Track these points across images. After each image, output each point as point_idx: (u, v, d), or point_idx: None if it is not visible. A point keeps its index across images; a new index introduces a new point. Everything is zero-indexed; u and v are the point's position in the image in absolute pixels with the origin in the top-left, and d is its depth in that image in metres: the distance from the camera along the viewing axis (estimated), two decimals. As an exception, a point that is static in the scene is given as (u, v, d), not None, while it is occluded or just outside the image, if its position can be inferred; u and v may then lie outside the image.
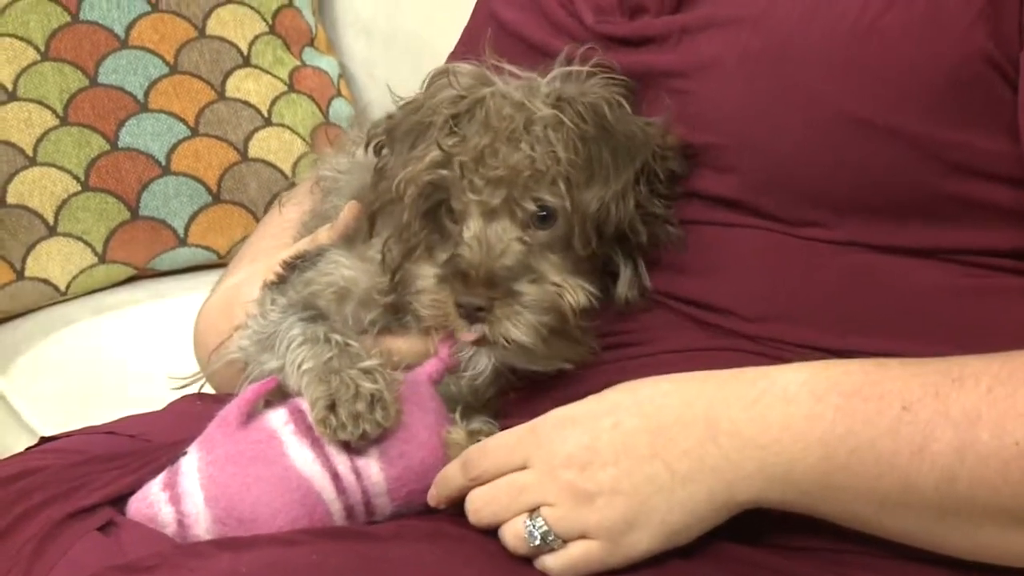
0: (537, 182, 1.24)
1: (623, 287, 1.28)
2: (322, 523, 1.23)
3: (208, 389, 1.50)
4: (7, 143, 2.16)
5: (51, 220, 2.16)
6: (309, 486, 1.23)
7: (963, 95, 1.21)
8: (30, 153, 2.17)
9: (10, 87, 2.18)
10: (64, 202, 2.17)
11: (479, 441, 1.25)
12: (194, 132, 2.25)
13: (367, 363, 1.24)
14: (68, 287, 2.18)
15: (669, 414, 1.18)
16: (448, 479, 1.24)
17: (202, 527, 1.23)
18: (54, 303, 2.20)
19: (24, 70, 2.19)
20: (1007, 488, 1.14)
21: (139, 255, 2.22)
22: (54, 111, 2.19)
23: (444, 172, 1.24)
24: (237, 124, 2.28)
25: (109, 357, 2.13)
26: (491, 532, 1.22)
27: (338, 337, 1.27)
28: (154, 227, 2.22)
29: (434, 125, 1.25)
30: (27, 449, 1.40)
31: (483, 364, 1.28)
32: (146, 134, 2.23)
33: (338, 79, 2.39)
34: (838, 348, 1.22)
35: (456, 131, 1.24)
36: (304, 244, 1.41)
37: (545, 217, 1.25)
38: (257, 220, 2.23)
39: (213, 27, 2.30)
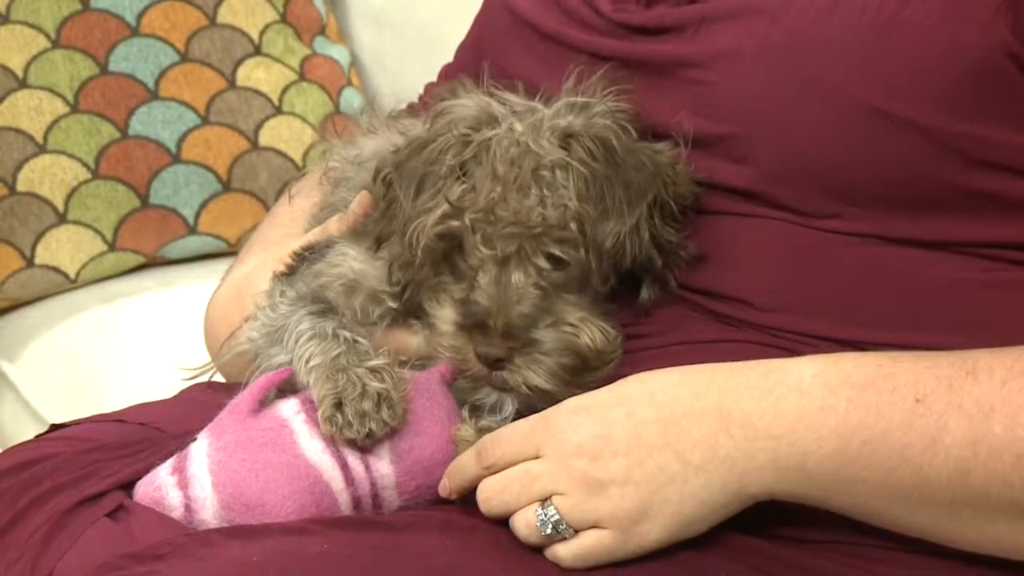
0: (549, 230, 1.23)
1: (645, 292, 1.29)
2: (329, 513, 1.23)
3: (218, 378, 1.50)
4: (17, 130, 2.16)
5: (61, 208, 2.16)
6: (318, 475, 1.23)
7: (983, 88, 1.20)
8: (40, 141, 2.17)
9: (21, 75, 2.18)
10: (74, 190, 2.17)
11: (478, 441, 1.25)
12: (204, 120, 2.25)
13: (375, 362, 1.25)
14: (78, 275, 2.18)
15: (681, 405, 1.19)
16: (461, 468, 1.24)
17: (209, 512, 1.23)
18: (63, 291, 2.20)
19: (35, 58, 2.19)
20: (1020, 482, 1.13)
21: (149, 243, 2.22)
22: (64, 99, 2.19)
23: (455, 223, 1.24)
24: (248, 113, 2.27)
25: (118, 345, 2.13)
26: (502, 522, 1.22)
27: (347, 333, 1.27)
28: (164, 215, 2.22)
29: (438, 173, 1.25)
30: (37, 436, 1.40)
31: (508, 409, 1.28)
32: (156, 122, 2.23)
33: (349, 68, 2.39)
34: (852, 340, 1.23)
35: (463, 179, 1.24)
36: (314, 235, 1.41)
37: (559, 260, 1.25)
38: (267, 209, 2.23)
39: (224, 15, 2.30)
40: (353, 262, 1.33)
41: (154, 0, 2.27)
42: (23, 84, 2.18)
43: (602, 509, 1.18)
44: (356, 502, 1.24)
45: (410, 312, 1.32)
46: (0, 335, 2.17)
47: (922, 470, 1.15)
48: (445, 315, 1.26)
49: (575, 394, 1.23)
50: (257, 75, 2.30)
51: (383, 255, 1.32)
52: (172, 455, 1.27)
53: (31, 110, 2.17)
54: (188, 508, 1.24)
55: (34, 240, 2.15)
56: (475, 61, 1.50)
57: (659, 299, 1.29)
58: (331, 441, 1.24)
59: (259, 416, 1.26)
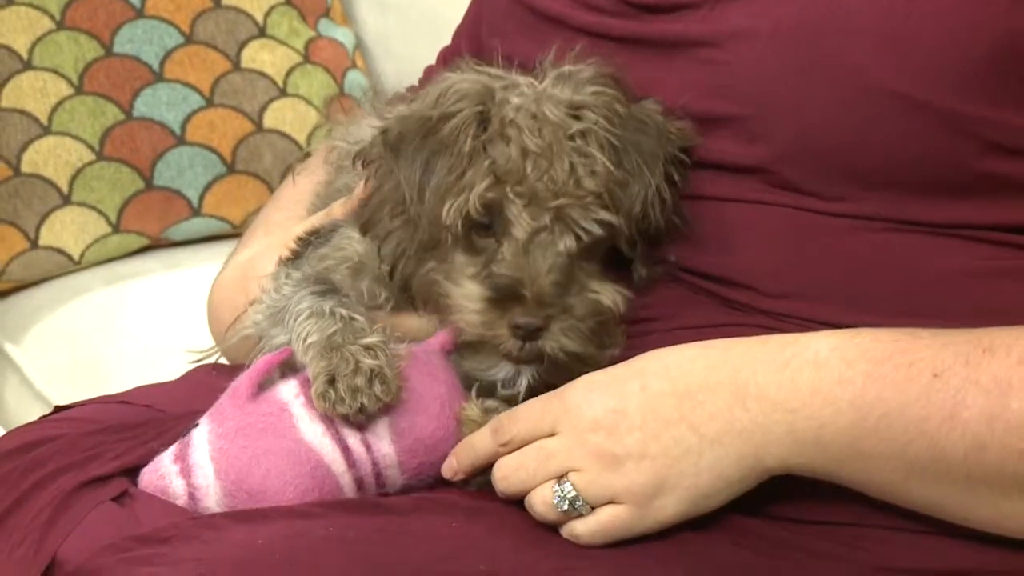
0: (590, 198, 1.24)
1: (639, 269, 1.29)
2: (332, 496, 1.23)
3: (224, 361, 1.50)
4: (22, 112, 2.16)
5: (65, 189, 2.16)
6: (319, 459, 1.23)
7: (1000, 72, 1.20)
8: (45, 122, 2.17)
9: (25, 56, 2.18)
10: (79, 171, 2.17)
11: (493, 419, 1.25)
12: (209, 102, 2.25)
13: (369, 339, 1.24)
14: (82, 256, 2.18)
15: (696, 378, 1.19)
16: (474, 445, 1.24)
17: (212, 499, 1.23)
18: (68, 272, 2.20)
19: (39, 39, 2.19)
20: None
21: (153, 225, 2.22)
22: (69, 80, 2.19)
23: (491, 196, 1.24)
24: (252, 95, 2.27)
25: (122, 327, 2.13)
26: (508, 504, 1.23)
27: (343, 311, 1.27)
28: (168, 197, 2.22)
29: (457, 150, 1.24)
30: (41, 418, 1.40)
31: (522, 382, 1.27)
32: (161, 104, 2.22)
33: (353, 51, 2.39)
34: (858, 326, 1.22)
35: (488, 151, 1.24)
36: (318, 219, 1.41)
37: (593, 227, 1.25)
38: (271, 191, 2.22)
39: (229, -3, 2.30)
40: (358, 245, 1.33)
41: (159, -19, 2.27)
42: (28, 66, 2.18)
43: (618, 484, 1.18)
44: (359, 483, 1.24)
45: (403, 292, 1.31)
46: (4, 316, 2.17)
47: (939, 444, 1.15)
48: (470, 291, 1.25)
49: (603, 357, 1.24)
50: (262, 57, 2.30)
51: (355, 235, 1.32)
52: (175, 439, 1.27)
53: (36, 92, 2.17)
54: (192, 496, 1.24)
55: (38, 222, 2.15)
56: (473, 44, 1.49)
57: (663, 282, 1.29)
58: (331, 424, 1.24)
59: (259, 400, 1.26)
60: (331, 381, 1.22)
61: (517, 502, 1.23)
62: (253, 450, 1.23)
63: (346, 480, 1.24)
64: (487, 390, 1.29)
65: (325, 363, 1.23)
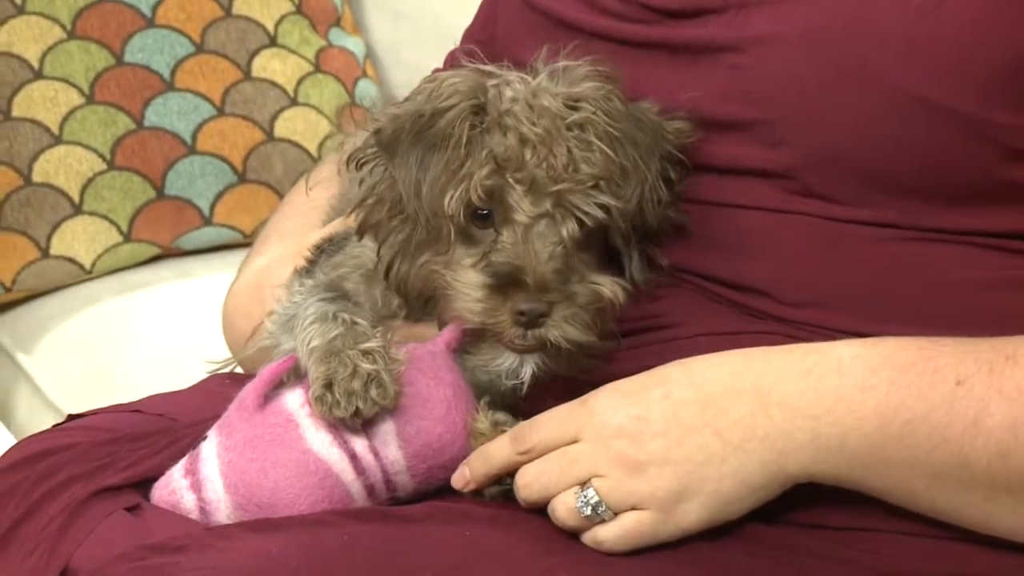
0: (589, 184, 1.23)
1: (635, 271, 1.29)
2: (343, 504, 1.23)
3: (239, 369, 1.49)
4: (33, 121, 2.16)
5: (76, 199, 2.16)
6: (327, 469, 1.23)
7: None
8: (56, 131, 2.17)
9: (36, 65, 2.18)
10: (89, 181, 2.17)
11: (503, 432, 1.25)
12: (220, 112, 2.25)
13: (369, 344, 1.24)
14: (93, 266, 2.18)
15: (719, 385, 1.19)
16: (488, 456, 1.24)
17: (223, 513, 1.23)
18: (79, 282, 2.20)
19: (50, 48, 2.19)
20: None
21: (164, 234, 2.22)
22: (80, 90, 2.19)
23: (491, 183, 1.23)
24: (263, 104, 2.27)
25: (134, 336, 2.13)
26: (524, 513, 1.22)
27: (346, 316, 1.26)
28: (179, 206, 2.22)
29: (453, 142, 1.24)
30: (54, 426, 1.40)
31: (527, 372, 1.27)
32: (172, 113, 2.22)
33: (364, 60, 2.39)
34: (878, 336, 1.22)
35: (485, 142, 1.24)
36: (333, 227, 1.41)
37: (592, 214, 1.24)
38: (282, 199, 2.23)
39: (240, 6, 2.30)
40: (372, 252, 1.32)
41: (170, -9, 2.27)
42: (39, 75, 2.18)
43: (642, 490, 1.18)
44: (369, 490, 1.24)
45: (400, 291, 1.30)
46: (15, 326, 2.17)
47: (962, 451, 1.15)
48: (471, 279, 1.24)
49: (605, 348, 1.24)
50: (272, 66, 2.30)
51: (368, 243, 1.31)
52: (187, 449, 1.27)
53: (47, 101, 2.17)
54: (203, 511, 1.24)
55: (49, 231, 2.15)
56: (486, 45, 1.49)
57: (683, 289, 1.29)
58: (338, 432, 1.23)
59: (265, 411, 1.25)
60: (328, 385, 1.22)
61: (533, 511, 1.22)
62: (261, 463, 1.23)
63: (356, 488, 1.24)
64: (493, 389, 1.29)
65: (324, 367, 1.23)
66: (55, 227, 2.15)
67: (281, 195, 2.24)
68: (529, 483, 1.22)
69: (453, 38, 1.54)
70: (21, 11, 2.19)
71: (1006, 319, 1.21)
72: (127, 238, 2.19)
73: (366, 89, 2.36)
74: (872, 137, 1.23)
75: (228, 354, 1.51)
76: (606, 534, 1.19)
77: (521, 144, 1.23)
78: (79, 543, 1.20)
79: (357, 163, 1.30)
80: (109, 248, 2.18)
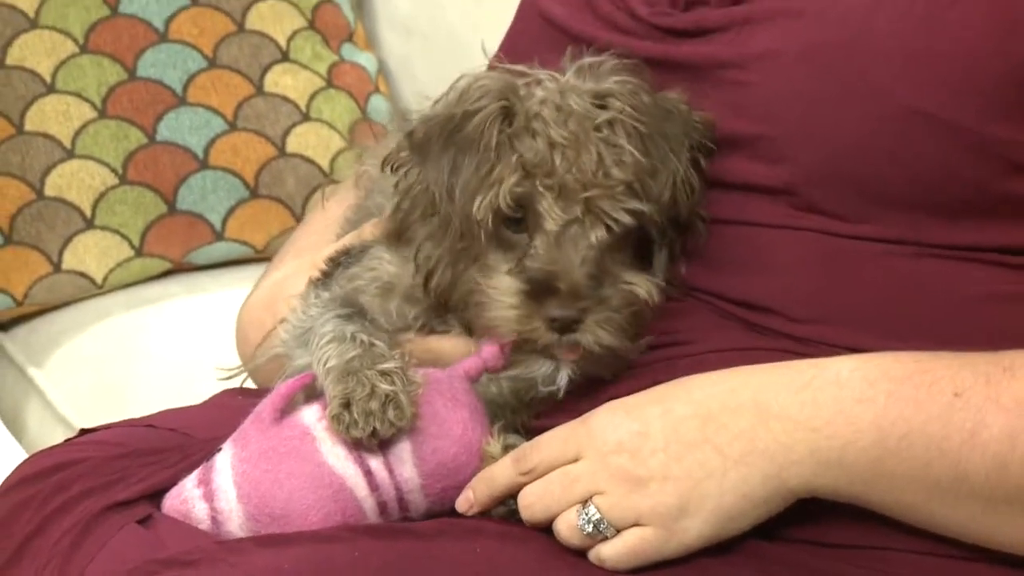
0: (620, 188, 1.24)
1: (661, 268, 1.29)
2: (355, 520, 1.23)
3: (251, 384, 1.50)
4: (45, 135, 2.16)
5: (88, 213, 2.16)
6: (342, 483, 1.23)
7: None
8: (68, 146, 2.17)
9: (49, 79, 2.18)
10: (101, 195, 2.17)
11: (515, 449, 1.25)
12: (232, 126, 2.25)
13: (387, 364, 1.24)
14: (105, 280, 2.18)
15: (718, 401, 1.19)
16: (492, 478, 1.24)
17: (235, 524, 1.23)
18: (90, 296, 2.20)
19: (63, 63, 2.19)
20: None
21: (176, 249, 2.22)
22: (92, 104, 2.19)
23: (520, 190, 1.24)
24: (275, 119, 2.27)
25: (145, 351, 2.13)
26: (535, 530, 1.22)
27: (364, 337, 1.27)
28: (191, 221, 2.22)
29: (484, 145, 1.24)
30: (66, 440, 1.40)
31: (563, 378, 1.28)
32: (184, 128, 2.23)
33: (376, 75, 2.39)
34: (882, 351, 1.22)
35: (514, 146, 1.24)
36: (348, 240, 1.41)
37: (624, 218, 1.25)
38: (294, 215, 2.23)
39: (252, 21, 2.30)
40: (388, 265, 1.33)
41: (182, 6, 2.27)
42: (51, 89, 2.18)
43: (643, 506, 1.18)
44: (382, 507, 1.24)
45: (440, 308, 1.31)
46: (27, 340, 2.17)
47: (960, 464, 1.15)
48: (505, 285, 1.25)
49: (638, 348, 1.25)
50: (285, 81, 2.30)
51: (405, 262, 1.31)
52: (200, 463, 1.27)
53: (59, 115, 2.18)
54: (215, 520, 1.24)
55: (61, 245, 2.15)
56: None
57: (691, 306, 1.29)
58: (354, 447, 1.23)
59: (282, 424, 1.26)
60: (346, 404, 1.22)
61: (544, 528, 1.22)
62: (276, 474, 1.23)
63: (369, 504, 1.24)
64: (532, 384, 1.29)
65: (342, 387, 1.23)
66: (67, 241, 2.15)
67: (293, 210, 2.24)
68: (532, 503, 1.22)
69: (465, 54, 1.54)
70: (34, 25, 2.19)
71: (1011, 334, 1.21)
72: (139, 253, 2.19)
73: (378, 104, 2.36)
74: (874, 152, 1.23)
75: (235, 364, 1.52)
76: (609, 551, 1.19)
77: (550, 149, 1.23)
78: (91, 557, 1.21)
79: (392, 166, 1.30)
80: (121, 263, 2.18)
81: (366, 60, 2.39)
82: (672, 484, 1.18)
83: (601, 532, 1.19)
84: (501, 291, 1.25)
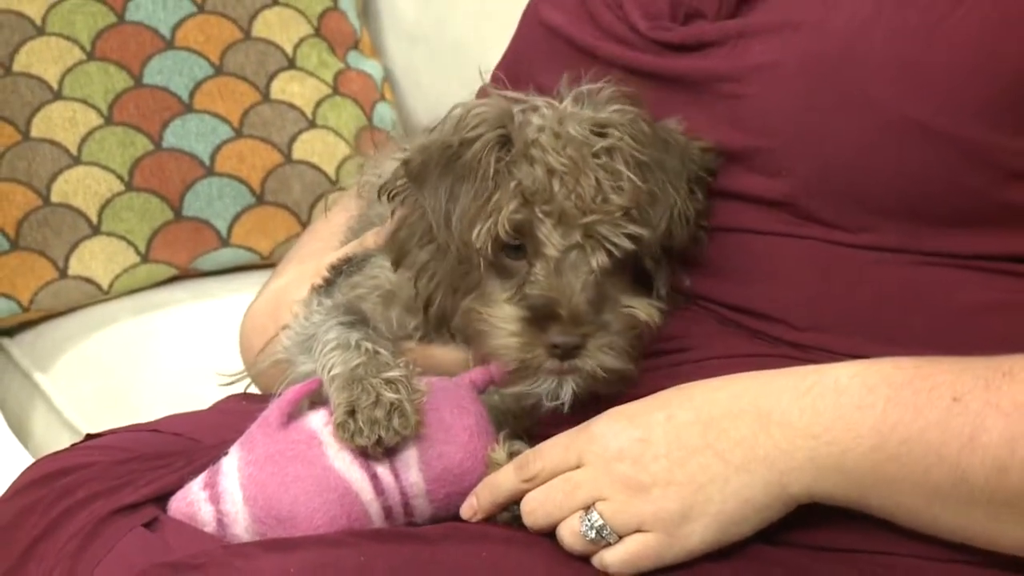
0: (618, 214, 1.24)
1: (661, 290, 1.29)
2: (360, 524, 1.23)
3: (254, 389, 1.50)
4: (52, 142, 2.17)
5: (95, 219, 2.17)
6: (347, 486, 1.23)
7: (1022, 101, 1.21)
8: (74, 152, 2.17)
9: (55, 86, 2.19)
10: (108, 201, 2.17)
11: (518, 456, 1.25)
12: (238, 133, 2.25)
13: (392, 373, 1.25)
14: (111, 286, 2.18)
15: (719, 407, 1.19)
16: (495, 485, 1.24)
17: (240, 526, 1.24)
18: (96, 302, 2.20)
19: (69, 69, 2.20)
20: None
21: (182, 255, 2.22)
22: (99, 111, 2.20)
23: (519, 217, 1.24)
24: (281, 126, 2.28)
25: (151, 357, 2.13)
26: (541, 535, 1.22)
27: (368, 345, 1.27)
28: (197, 228, 2.22)
29: (482, 173, 1.24)
30: (72, 445, 1.41)
31: (567, 393, 1.28)
32: (190, 135, 2.23)
33: (382, 83, 2.39)
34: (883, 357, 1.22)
35: (513, 173, 1.24)
36: (351, 248, 1.42)
37: (622, 244, 1.25)
38: (300, 222, 2.24)
39: (259, 29, 2.30)
40: (390, 273, 1.33)
41: (189, 13, 2.27)
42: (58, 96, 2.19)
43: (645, 511, 1.19)
44: (387, 512, 1.25)
45: (440, 326, 1.32)
46: (33, 346, 2.18)
47: (959, 468, 1.15)
48: (506, 313, 1.25)
49: (639, 369, 1.25)
50: (291, 89, 2.30)
51: (406, 273, 1.32)
52: (206, 467, 1.28)
53: (65, 122, 2.18)
54: (220, 523, 1.24)
55: (67, 251, 2.16)
56: (510, 78, 1.50)
57: (693, 313, 1.30)
58: (363, 453, 1.24)
59: (289, 428, 1.26)
60: (351, 412, 1.23)
61: (548, 533, 1.22)
62: (282, 477, 1.24)
63: (374, 508, 1.24)
64: (536, 402, 1.29)
65: (347, 395, 1.23)
66: (73, 247, 2.16)
67: (299, 217, 2.25)
68: (534, 509, 1.22)
69: (470, 62, 1.54)
70: (41, 32, 2.19)
71: (1011, 342, 1.21)
72: (144, 259, 2.19)
73: (384, 112, 2.37)
74: (870, 163, 1.23)
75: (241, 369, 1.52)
76: (612, 557, 1.20)
77: (549, 175, 1.24)
78: (98, 561, 1.21)
79: (388, 195, 1.30)
80: (127, 269, 2.18)
81: (372, 68, 2.39)
82: (674, 490, 1.18)
83: (604, 538, 1.19)
84: (502, 319, 1.26)
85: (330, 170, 2.28)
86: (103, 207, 2.17)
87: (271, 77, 2.30)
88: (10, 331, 2.21)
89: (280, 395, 1.29)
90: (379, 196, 1.33)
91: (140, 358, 2.13)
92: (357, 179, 1.51)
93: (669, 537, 1.19)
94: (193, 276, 2.26)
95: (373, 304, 1.34)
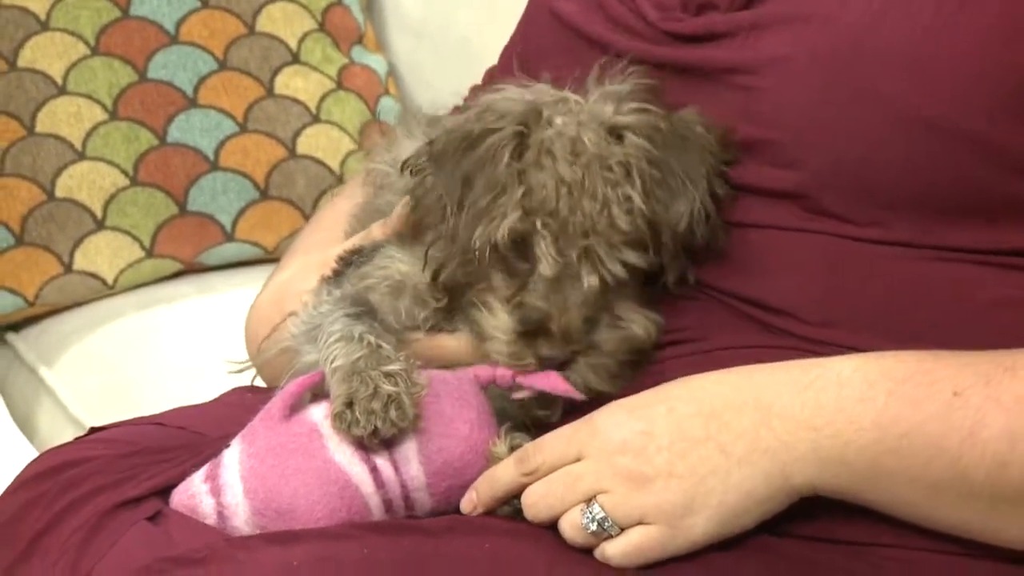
0: (613, 238, 1.24)
1: (671, 283, 1.29)
2: (360, 517, 1.24)
3: (260, 382, 1.50)
4: (56, 137, 2.17)
5: (99, 214, 2.17)
6: (347, 479, 1.23)
7: None
8: (79, 147, 2.17)
9: (60, 81, 2.19)
10: (112, 196, 2.17)
11: (518, 450, 1.26)
12: (243, 128, 2.25)
13: (392, 366, 1.25)
14: (116, 281, 2.18)
15: (721, 399, 1.20)
16: (495, 479, 1.25)
17: (241, 519, 1.24)
18: (101, 297, 2.20)
19: (74, 64, 2.20)
20: None
21: (186, 250, 2.22)
22: (103, 106, 2.20)
23: (520, 227, 1.25)
24: (286, 121, 2.28)
25: (156, 351, 2.13)
26: (544, 527, 1.22)
27: (371, 337, 1.28)
28: (202, 222, 2.22)
29: (494, 173, 1.25)
30: (76, 439, 1.41)
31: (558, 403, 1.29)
32: (195, 130, 2.23)
33: (386, 77, 2.39)
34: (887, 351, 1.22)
35: (522, 178, 1.25)
36: (359, 239, 1.42)
37: (627, 264, 1.26)
38: (305, 216, 2.23)
39: (263, 24, 2.31)
40: (400, 264, 1.34)
41: (193, 8, 2.27)
42: (62, 91, 2.19)
43: (647, 504, 1.19)
44: (387, 505, 1.25)
45: (453, 312, 1.32)
46: (38, 341, 2.18)
47: (960, 462, 1.15)
48: (500, 322, 1.27)
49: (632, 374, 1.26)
50: (295, 83, 2.30)
51: (418, 251, 1.32)
52: (209, 460, 1.28)
53: (70, 117, 2.18)
54: (221, 515, 1.24)
55: (72, 246, 2.16)
56: (519, 64, 1.50)
57: (703, 304, 1.30)
58: (361, 445, 1.24)
59: (290, 421, 1.26)
60: (349, 403, 1.23)
61: (551, 526, 1.22)
62: (282, 469, 1.24)
63: (374, 501, 1.24)
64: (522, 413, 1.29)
65: (346, 386, 1.24)
66: (78, 242, 2.16)
67: (303, 212, 2.25)
68: (535, 502, 1.22)
69: (474, 57, 1.55)
70: (45, 27, 2.19)
71: (1021, 337, 1.21)
72: (149, 254, 2.20)
73: (388, 107, 2.36)
74: (883, 157, 1.24)
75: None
76: (614, 550, 1.20)
77: (556, 187, 1.24)
78: (102, 555, 1.21)
79: (411, 170, 1.31)
80: (131, 263, 2.19)
81: (376, 62, 2.39)
82: (677, 481, 1.19)
83: (605, 530, 1.20)
84: (496, 327, 1.27)
85: (334, 165, 2.28)
86: (108, 202, 2.17)
87: (275, 72, 2.30)
88: (15, 326, 2.21)
89: (283, 387, 1.29)
90: (401, 170, 1.33)
91: (145, 352, 2.13)
92: (365, 165, 1.52)
93: (671, 529, 1.19)
94: (198, 271, 2.26)
95: (382, 295, 1.34)
